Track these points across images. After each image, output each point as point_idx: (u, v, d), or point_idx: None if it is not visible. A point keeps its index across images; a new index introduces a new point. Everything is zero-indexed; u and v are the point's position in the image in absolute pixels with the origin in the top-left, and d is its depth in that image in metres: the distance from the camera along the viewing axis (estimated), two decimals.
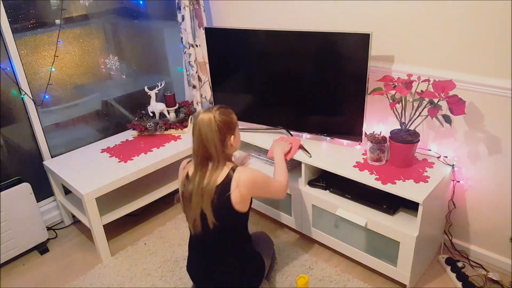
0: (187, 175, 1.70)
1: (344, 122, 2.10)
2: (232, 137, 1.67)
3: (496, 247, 2.04)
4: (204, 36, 2.56)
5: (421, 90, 1.82)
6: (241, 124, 2.52)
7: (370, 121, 2.25)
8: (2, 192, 2.15)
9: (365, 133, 2.06)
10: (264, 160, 2.42)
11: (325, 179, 2.12)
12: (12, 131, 2.39)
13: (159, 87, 2.63)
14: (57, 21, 2.37)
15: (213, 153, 1.60)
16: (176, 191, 2.12)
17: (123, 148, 2.51)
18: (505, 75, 1.74)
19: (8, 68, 2.25)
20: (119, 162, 2.35)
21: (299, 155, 2.13)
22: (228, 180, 1.62)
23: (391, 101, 1.89)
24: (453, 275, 1.98)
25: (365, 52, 1.87)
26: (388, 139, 1.96)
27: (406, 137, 1.89)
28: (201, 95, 2.79)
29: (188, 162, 1.76)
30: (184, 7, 2.52)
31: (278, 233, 2.39)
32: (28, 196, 2.25)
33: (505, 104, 1.77)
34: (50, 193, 2.56)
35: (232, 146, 1.69)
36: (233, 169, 1.64)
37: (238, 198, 1.62)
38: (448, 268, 2.02)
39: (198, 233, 1.71)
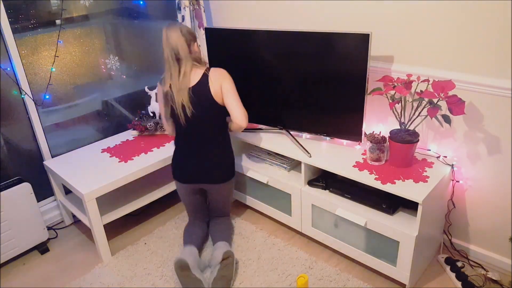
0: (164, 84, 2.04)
1: (343, 122, 2.10)
2: (196, 44, 2.04)
3: (496, 247, 2.04)
4: (204, 36, 2.56)
5: (421, 90, 1.83)
6: None
7: (370, 121, 2.25)
8: (2, 192, 2.15)
9: (365, 133, 2.06)
10: (264, 160, 2.42)
11: (324, 179, 2.12)
12: (13, 131, 2.39)
13: None
14: (58, 21, 2.37)
15: (182, 55, 1.95)
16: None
17: (123, 148, 2.51)
18: (505, 75, 1.74)
19: (8, 68, 2.25)
20: (119, 162, 2.35)
21: (299, 155, 2.13)
22: (205, 77, 2.00)
23: (390, 101, 1.90)
24: (453, 275, 1.98)
25: (365, 52, 1.87)
26: (387, 139, 1.96)
27: (406, 137, 1.90)
28: None
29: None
30: (184, 8, 2.53)
31: (278, 233, 2.40)
32: (29, 196, 2.26)
33: (505, 104, 1.78)
34: (51, 193, 2.57)
35: (197, 52, 2.06)
36: (207, 70, 2.03)
37: (216, 89, 2.00)
38: (448, 268, 2.03)
39: (184, 125, 2.04)
